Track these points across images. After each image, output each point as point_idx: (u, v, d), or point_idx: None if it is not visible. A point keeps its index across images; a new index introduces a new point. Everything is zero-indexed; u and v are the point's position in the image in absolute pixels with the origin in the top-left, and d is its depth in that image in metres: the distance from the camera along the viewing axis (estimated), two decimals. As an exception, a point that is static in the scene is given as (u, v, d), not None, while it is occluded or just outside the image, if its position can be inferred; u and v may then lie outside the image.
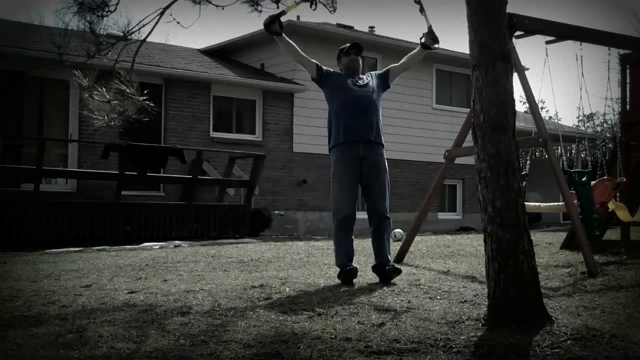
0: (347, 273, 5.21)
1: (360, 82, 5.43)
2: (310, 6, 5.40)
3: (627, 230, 8.00)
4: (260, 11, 5.47)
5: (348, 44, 5.65)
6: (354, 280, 5.23)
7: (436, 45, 5.68)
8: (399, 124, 17.13)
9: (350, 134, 5.26)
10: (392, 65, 5.82)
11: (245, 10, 5.45)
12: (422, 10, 5.61)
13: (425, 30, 5.67)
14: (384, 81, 5.64)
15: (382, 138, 5.42)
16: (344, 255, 5.31)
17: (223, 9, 5.32)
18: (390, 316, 3.85)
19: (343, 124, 5.28)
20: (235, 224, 12.70)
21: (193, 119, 14.40)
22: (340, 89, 5.38)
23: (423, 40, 5.69)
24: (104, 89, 4.91)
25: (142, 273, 6.14)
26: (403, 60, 5.82)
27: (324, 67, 5.55)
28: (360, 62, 5.58)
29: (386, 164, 5.43)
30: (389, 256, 5.36)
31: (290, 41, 5.44)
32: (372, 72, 5.68)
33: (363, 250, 7.36)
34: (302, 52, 5.50)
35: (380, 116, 5.45)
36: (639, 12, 46.78)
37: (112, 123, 5.00)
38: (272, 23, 5.24)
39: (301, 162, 15.86)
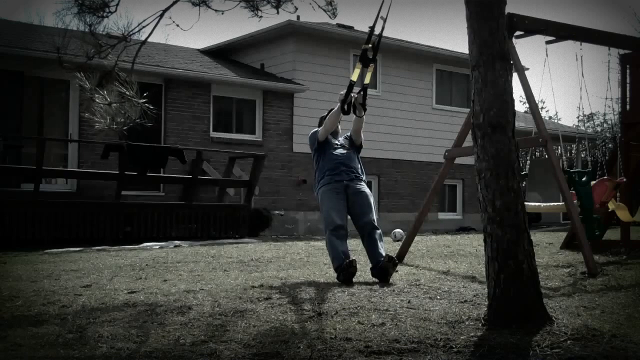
0: (346, 267, 5.21)
1: (340, 140, 5.96)
2: (365, 66, 5.70)
3: (627, 230, 7.99)
4: (261, 17, 5.52)
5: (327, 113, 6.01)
6: (354, 280, 5.23)
7: (363, 114, 5.70)
8: (399, 124, 17.13)
9: (335, 176, 5.69)
10: (350, 133, 5.98)
11: (246, 14, 5.46)
12: (373, 59, 5.69)
13: (359, 91, 5.68)
14: (352, 144, 5.95)
15: (364, 177, 5.88)
16: (341, 254, 5.33)
17: (222, 13, 5.33)
18: (390, 316, 3.85)
19: (328, 171, 5.71)
20: (235, 224, 12.69)
21: (193, 119, 14.40)
22: (326, 147, 5.83)
23: (355, 111, 5.68)
24: (105, 92, 4.89)
25: (142, 273, 6.14)
26: (352, 131, 5.96)
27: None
28: (339, 127, 5.96)
29: (368, 189, 5.79)
30: (382, 253, 5.37)
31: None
32: (346, 135, 6.08)
33: (363, 250, 7.34)
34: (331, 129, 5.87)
35: (360, 163, 5.90)
36: (639, 12, 46.78)
37: (114, 126, 4.99)
38: (346, 102, 5.55)
39: (301, 162, 15.85)
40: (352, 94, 5.55)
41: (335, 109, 5.73)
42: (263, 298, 4.49)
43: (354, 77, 5.66)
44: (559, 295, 4.61)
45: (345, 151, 5.84)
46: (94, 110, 4.94)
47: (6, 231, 10.25)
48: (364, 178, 5.86)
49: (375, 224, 5.61)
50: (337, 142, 5.91)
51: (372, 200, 5.75)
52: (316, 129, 5.97)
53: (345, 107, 5.54)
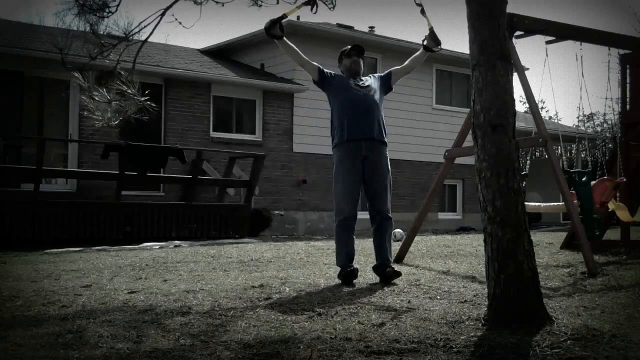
0: (348, 274, 5.20)
1: (362, 82, 5.45)
2: (311, 9, 5.30)
3: (627, 230, 7.99)
4: (260, 5, 5.41)
5: (349, 46, 5.67)
6: (354, 281, 5.23)
7: (438, 47, 5.61)
8: (399, 124, 17.13)
9: (352, 132, 5.27)
10: (394, 67, 5.77)
11: (246, 5, 5.41)
12: (423, 12, 5.56)
13: (427, 32, 5.63)
14: (386, 83, 5.65)
15: (385, 136, 5.44)
16: (345, 256, 5.31)
17: (223, 5, 5.28)
18: (390, 316, 3.85)
19: (346, 123, 5.30)
20: (235, 224, 12.70)
21: (193, 119, 14.41)
22: (342, 89, 5.40)
23: (425, 42, 5.62)
24: (104, 90, 4.89)
25: (142, 273, 6.14)
26: (406, 62, 5.77)
27: (326, 70, 5.57)
28: (362, 64, 5.59)
29: (389, 163, 5.44)
30: (389, 257, 5.36)
31: (292, 44, 5.44)
32: (374, 74, 5.71)
33: (363, 250, 7.36)
34: (303, 55, 5.50)
35: (383, 116, 5.46)
36: (639, 12, 46.79)
37: (112, 123, 4.99)
38: (273, 26, 5.23)
39: (301, 162, 15.87)
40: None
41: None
42: (263, 298, 4.49)
43: (289, 12, 5.23)
44: (559, 295, 4.61)
45: (369, 94, 5.34)
46: (93, 108, 4.94)
47: (6, 231, 10.26)
48: (385, 138, 5.40)
49: (389, 213, 5.39)
50: (359, 82, 5.41)
51: (389, 177, 5.39)
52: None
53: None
